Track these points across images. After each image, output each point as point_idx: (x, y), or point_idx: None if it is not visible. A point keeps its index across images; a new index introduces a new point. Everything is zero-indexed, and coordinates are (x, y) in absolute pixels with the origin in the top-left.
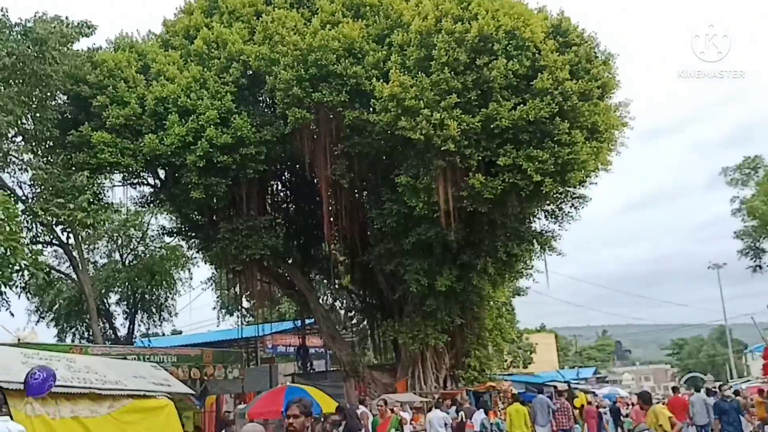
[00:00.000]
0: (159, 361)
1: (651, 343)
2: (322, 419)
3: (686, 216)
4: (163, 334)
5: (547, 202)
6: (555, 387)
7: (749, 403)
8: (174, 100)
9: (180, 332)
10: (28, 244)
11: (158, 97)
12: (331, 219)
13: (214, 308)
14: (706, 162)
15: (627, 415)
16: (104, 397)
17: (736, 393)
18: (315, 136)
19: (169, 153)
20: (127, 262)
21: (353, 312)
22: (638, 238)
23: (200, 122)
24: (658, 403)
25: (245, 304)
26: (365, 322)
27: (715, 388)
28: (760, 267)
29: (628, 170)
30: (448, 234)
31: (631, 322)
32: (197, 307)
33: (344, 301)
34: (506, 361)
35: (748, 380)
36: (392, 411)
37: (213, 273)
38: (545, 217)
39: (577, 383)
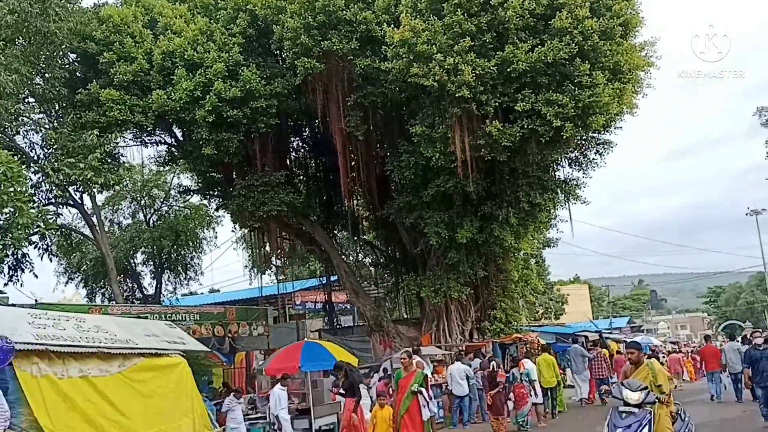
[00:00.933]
0: (181, 320)
1: (687, 292)
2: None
3: (727, 163)
4: (195, 293)
5: (570, 148)
6: (586, 337)
7: None
8: (181, 54)
9: (217, 290)
10: (38, 205)
11: (165, 52)
12: (350, 173)
13: (246, 266)
14: (749, 108)
15: (663, 363)
16: (114, 355)
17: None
18: (327, 88)
19: (178, 108)
20: (151, 222)
21: (378, 267)
22: (679, 187)
23: (208, 76)
24: (693, 350)
25: (276, 262)
26: (390, 277)
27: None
28: None
29: (670, 118)
30: (467, 185)
31: (667, 271)
32: (225, 265)
33: (369, 256)
34: (537, 312)
35: None
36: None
37: (235, 230)
38: (569, 164)
39: (610, 333)
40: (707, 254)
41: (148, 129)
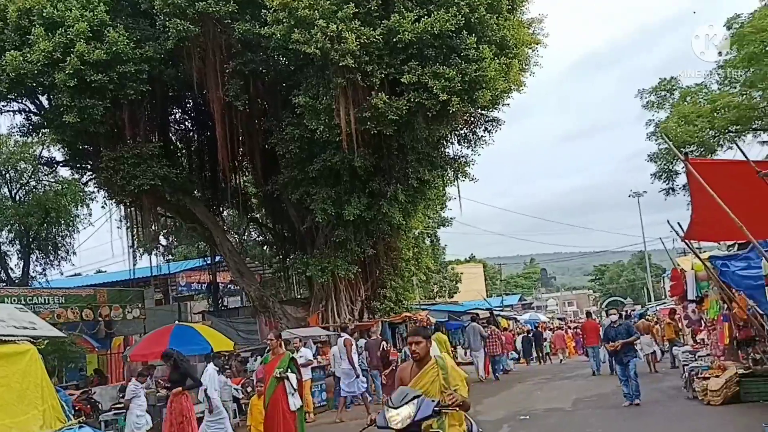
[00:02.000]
0: (44, 303)
1: (575, 270)
2: (216, 357)
3: (617, 147)
4: (80, 274)
5: (458, 124)
6: (477, 314)
7: (655, 325)
8: (39, 12)
9: (104, 271)
10: None
11: (21, 9)
12: (234, 146)
13: (130, 246)
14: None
15: (546, 339)
16: None
17: (641, 316)
18: (203, 53)
19: (36, 72)
20: (17, 197)
21: (266, 246)
22: (572, 169)
23: (69, 36)
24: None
25: (162, 241)
26: (278, 256)
27: (624, 311)
28: (673, 189)
29: (566, 102)
30: (354, 160)
31: (557, 251)
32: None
33: (256, 235)
34: (432, 291)
35: (664, 302)
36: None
37: (106, 206)
38: (458, 141)
39: (501, 310)
40: (595, 234)
41: (4, 94)
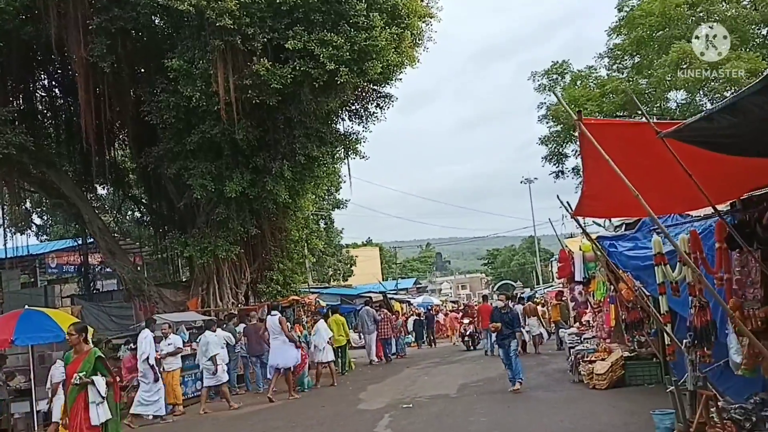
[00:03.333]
0: None
1: (469, 254)
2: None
3: (513, 135)
4: None
5: (349, 99)
6: (371, 298)
7: (542, 307)
8: None
9: None
10: None
11: None
12: (99, 114)
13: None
14: (536, 91)
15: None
16: None
17: (529, 299)
18: (64, 8)
19: None
20: None
21: (143, 225)
22: (469, 155)
23: None
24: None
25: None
26: (156, 236)
27: (514, 294)
28: (562, 172)
29: (465, 92)
30: (235, 132)
31: (452, 235)
32: None
33: (136, 214)
34: (326, 273)
35: (551, 285)
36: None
37: None
38: (349, 117)
39: (396, 293)
40: (489, 219)
41: None
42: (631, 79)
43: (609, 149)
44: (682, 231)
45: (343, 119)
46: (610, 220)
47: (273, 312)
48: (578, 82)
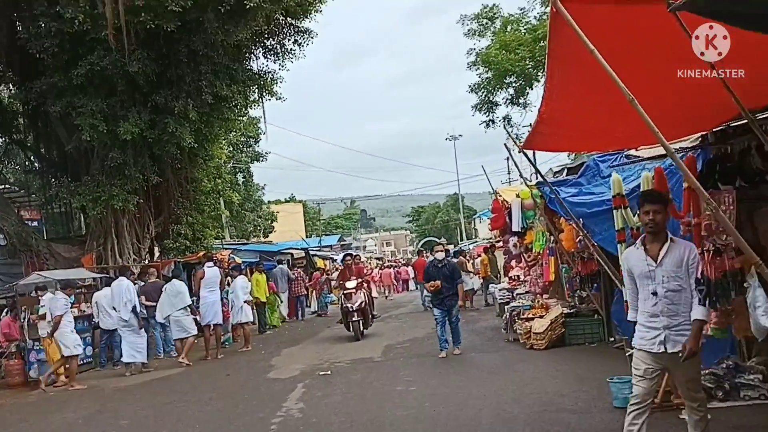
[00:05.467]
0: None
1: (394, 212)
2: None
3: (445, 92)
4: None
5: (265, 34)
6: (292, 255)
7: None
8: None
9: None
10: None
11: None
12: None
13: None
14: (467, 41)
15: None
16: None
17: (456, 254)
18: None
19: None
20: None
21: (30, 173)
22: (401, 113)
23: None
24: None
25: None
26: (45, 185)
27: (446, 249)
28: (493, 122)
29: (398, 49)
30: (130, 64)
31: (378, 193)
32: None
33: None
34: (246, 229)
35: (476, 241)
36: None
37: None
38: (264, 54)
39: (319, 250)
40: (415, 176)
41: None
42: None
43: (590, 44)
44: (637, 170)
45: (257, 56)
46: (550, 169)
47: (209, 263)
48: (509, 27)
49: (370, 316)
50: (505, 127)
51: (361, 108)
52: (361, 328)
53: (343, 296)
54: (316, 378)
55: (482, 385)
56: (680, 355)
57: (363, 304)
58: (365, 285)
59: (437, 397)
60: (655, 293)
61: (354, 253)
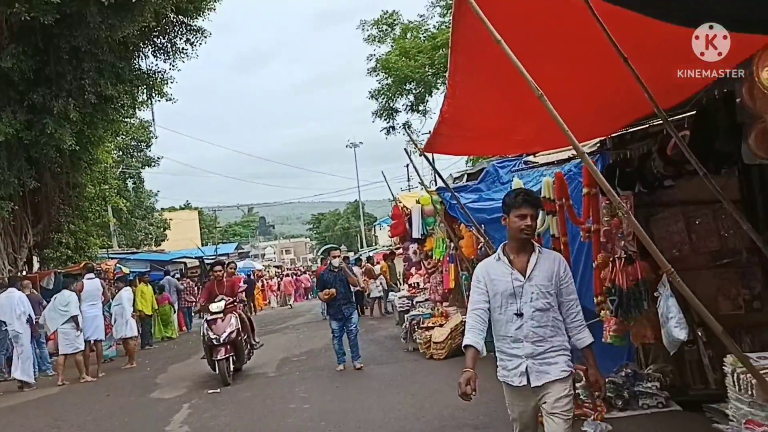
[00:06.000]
0: None
1: (294, 219)
2: None
3: (348, 99)
4: None
5: (154, 32)
6: (185, 264)
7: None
8: None
9: None
10: None
11: None
12: None
13: None
14: (368, 47)
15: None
16: None
17: (358, 261)
18: None
19: None
20: None
21: None
22: (304, 119)
23: None
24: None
25: None
26: None
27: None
28: (393, 128)
29: (303, 54)
30: (3, 59)
31: (277, 199)
32: None
33: None
34: (137, 238)
35: (376, 248)
36: None
37: None
38: (153, 53)
39: (215, 258)
40: (316, 184)
41: None
42: None
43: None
44: (536, 175)
45: (145, 55)
46: (450, 174)
47: (90, 275)
48: (408, 34)
49: (248, 346)
50: (406, 130)
51: (265, 113)
52: (232, 367)
53: (205, 324)
54: (203, 397)
55: (381, 399)
56: (597, 394)
57: (234, 334)
58: (240, 306)
59: (334, 415)
60: (520, 314)
61: (227, 261)
